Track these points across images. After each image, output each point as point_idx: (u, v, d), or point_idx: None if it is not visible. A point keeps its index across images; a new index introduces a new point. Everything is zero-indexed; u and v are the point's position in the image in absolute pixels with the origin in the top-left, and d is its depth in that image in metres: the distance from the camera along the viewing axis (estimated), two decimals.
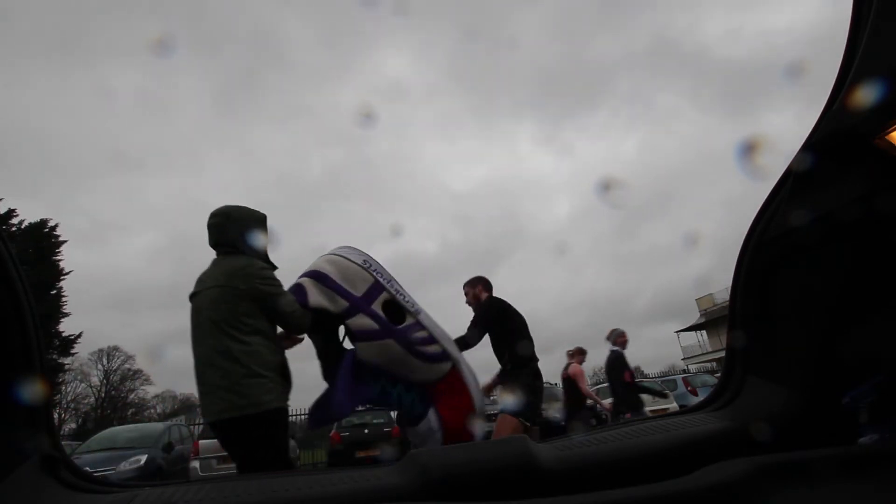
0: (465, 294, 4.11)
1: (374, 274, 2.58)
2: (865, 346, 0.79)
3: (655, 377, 20.53)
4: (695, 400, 13.59)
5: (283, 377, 2.29)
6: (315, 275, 2.47)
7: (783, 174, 0.81)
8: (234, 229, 2.34)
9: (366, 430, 13.94)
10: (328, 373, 2.54)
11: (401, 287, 2.65)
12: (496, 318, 3.90)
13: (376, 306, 2.51)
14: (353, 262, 2.56)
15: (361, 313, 2.45)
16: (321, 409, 2.51)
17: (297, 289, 2.42)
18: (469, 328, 3.72)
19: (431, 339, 2.59)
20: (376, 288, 2.54)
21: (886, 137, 0.64)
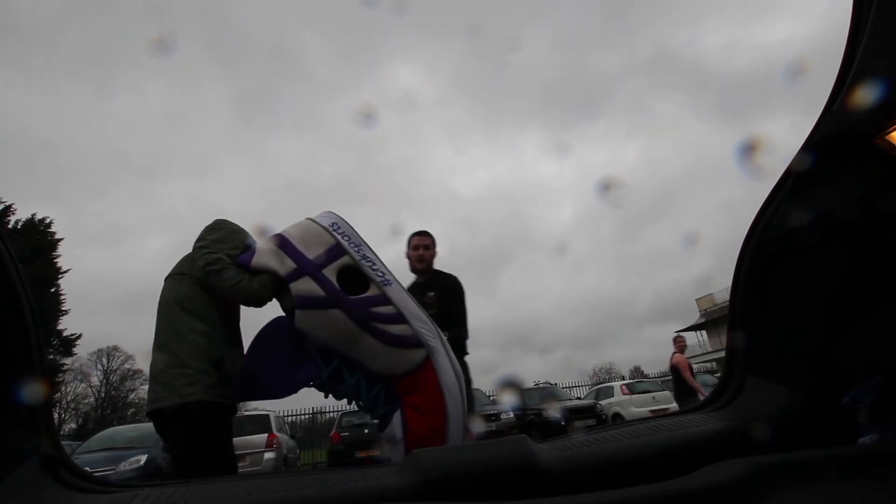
0: (424, 247, 3.10)
1: (337, 236, 2.20)
2: (865, 346, 0.79)
3: (655, 377, 20.54)
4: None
5: (218, 370, 2.04)
6: (275, 237, 2.18)
7: (783, 174, 0.80)
8: (220, 233, 2.37)
9: (366, 430, 13.92)
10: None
11: (373, 255, 2.24)
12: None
13: (329, 271, 2.13)
14: (318, 224, 2.23)
15: (306, 276, 2.08)
16: (248, 381, 2.12)
17: (247, 250, 2.18)
18: (455, 320, 2.92)
19: (398, 317, 2.13)
20: (334, 251, 2.18)
21: (886, 137, 0.64)
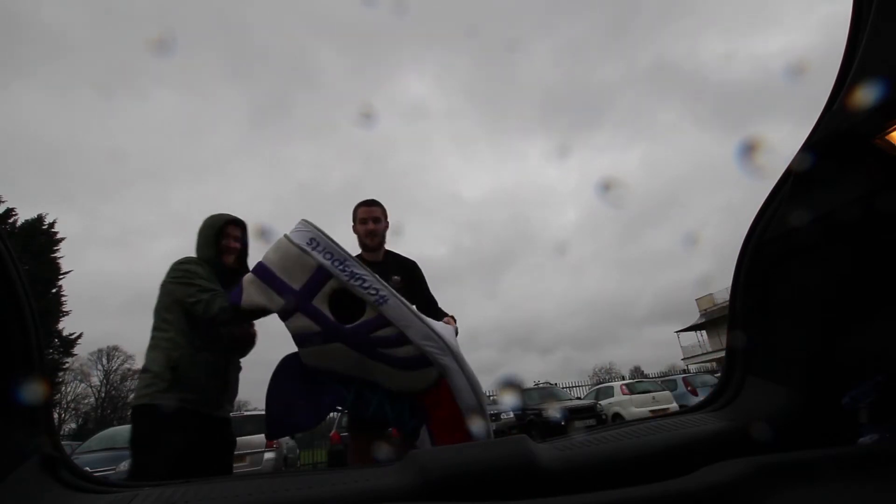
0: (373, 220, 2.69)
1: (319, 257, 2.00)
2: (865, 346, 0.79)
3: (655, 377, 20.54)
4: (695, 400, 13.61)
5: (174, 374, 2.09)
6: (257, 269, 2.04)
7: (783, 174, 0.81)
8: (198, 237, 2.43)
9: None
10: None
11: (362, 269, 2.02)
12: None
13: (320, 300, 1.98)
14: (295, 245, 2.02)
15: (298, 312, 1.97)
16: (274, 419, 2.07)
17: (236, 288, 2.05)
18: (430, 309, 2.63)
19: (401, 339, 1.96)
20: (319, 276, 1.99)
21: (886, 137, 0.64)
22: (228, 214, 2.48)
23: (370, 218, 2.71)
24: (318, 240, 2.05)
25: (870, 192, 0.68)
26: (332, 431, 14.58)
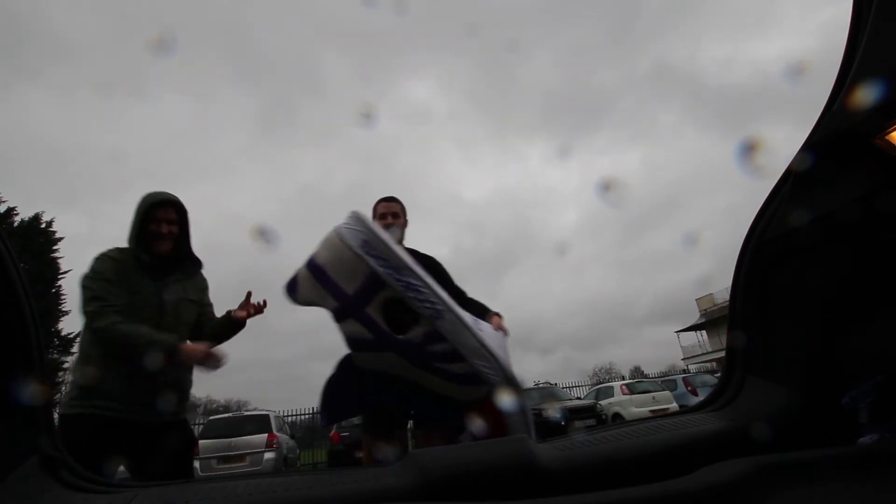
0: (392, 215, 2.64)
1: (373, 263, 1.88)
2: (865, 346, 0.79)
3: (655, 377, 20.54)
4: (695, 400, 13.62)
5: (77, 381, 2.03)
6: (311, 265, 1.93)
7: (783, 174, 0.81)
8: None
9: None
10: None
11: (420, 279, 1.90)
12: None
13: (373, 309, 1.89)
14: (349, 248, 1.89)
15: (351, 318, 1.91)
16: (330, 404, 2.03)
17: (292, 281, 1.95)
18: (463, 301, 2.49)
19: (455, 355, 1.86)
20: (373, 283, 1.89)
21: (886, 137, 0.64)
22: (162, 193, 2.18)
23: (389, 213, 2.65)
24: (373, 243, 1.91)
25: (870, 192, 0.68)
26: (332, 431, 14.59)
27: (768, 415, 0.80)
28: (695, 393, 14.29)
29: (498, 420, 1.84)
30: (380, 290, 1.89)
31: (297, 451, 14.76)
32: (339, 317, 1.94)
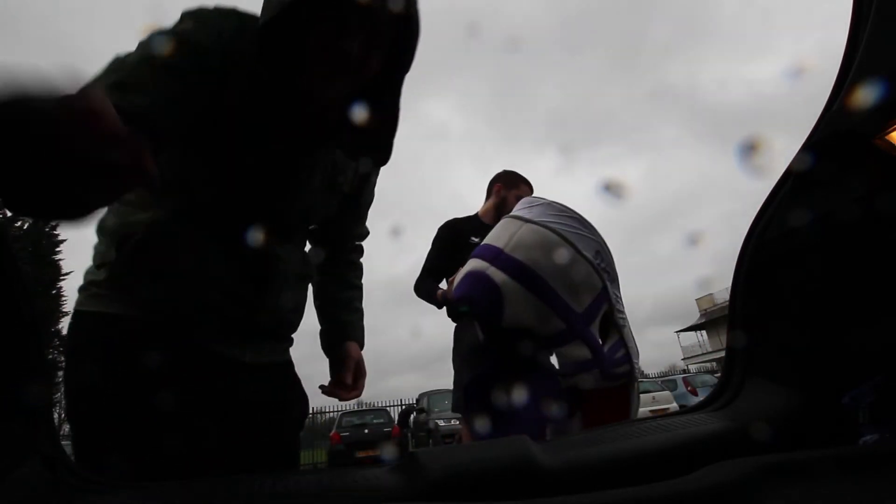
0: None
1: (604, 275, 1.62)
2: (865, 346, 0.79)
3: (655, 377, 20.56)
4: (695, 400, 13.62)
5: (121, 256, 0.98)
6: (522, 273, 1.52)
7: (783, 174, 0.81)
8: None
9: (366, 431, 13.98)
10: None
11: (616, 284, 1.72)
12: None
13: (595, 326, 1.63)
14: (584, 257, 1.56)
15: (577, 340, 1.61)
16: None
17: (485, 286, 1.54)
18: None
19: (626, 359, 1.76)
20: (601, 299, 1.63)
21: (886, 137, 0.65)
22: None
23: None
24: (603, 254, 1.67)
25: (870, 192, 0.68)
26: (332, 432, 14.60)
27: (769, 415, 0.80)
28: (695, 393, 14.29)
29: (624, 402, 1.75)
30: (602, 305, 1.66)
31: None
32: (562, 340, 1.64)
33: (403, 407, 17.21)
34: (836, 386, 0.79)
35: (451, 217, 2.92)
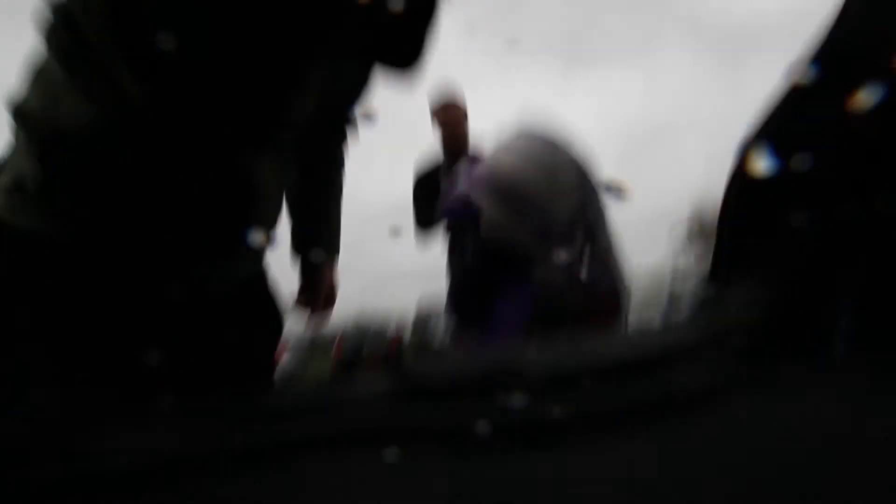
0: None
1: (586, 189, 1.65)
2: (844, 263, 0.80)
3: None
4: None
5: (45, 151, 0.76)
6: (496, 184, 1.52)
7: (774, 92, 0.77)
8: None
9: (366, 341, 14.40)
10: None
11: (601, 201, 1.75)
12: None
13: (576, 243, 1.67)
14: (563, 165, 1.57)
15: (556, 256, 1.64)
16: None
17: (461, 201, 1.51)
18: None
19: (612, 284, 1.78)
20: (582, 212, 1.65)
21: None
22: None
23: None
24: (584, 171, 1.67)
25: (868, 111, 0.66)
26: (335, 343, 15.06)
27: (744, 326, 0.82)
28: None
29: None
30: (583, 219, 1.64)
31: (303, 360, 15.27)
32: (539, 256, 1.60)
33: (415, 315, 17.38)
34: (815, 302, 0.81)
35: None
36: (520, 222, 1.60)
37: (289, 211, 1.20)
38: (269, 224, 1.00)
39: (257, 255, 1.05)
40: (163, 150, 0.76)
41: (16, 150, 0.80)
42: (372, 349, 14.13)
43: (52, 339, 0.76)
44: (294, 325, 1.18)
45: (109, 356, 0.78)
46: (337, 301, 1.27)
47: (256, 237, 0.95)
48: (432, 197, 2.52)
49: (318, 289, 1.22)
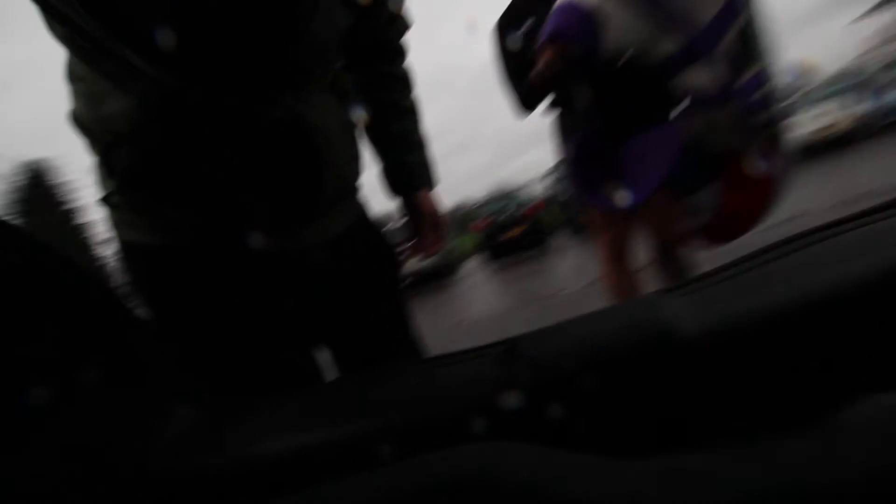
0: None
1: None
2: None
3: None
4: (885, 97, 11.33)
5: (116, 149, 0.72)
6: None
7: None
8: None
9: (504, 213, 14.64)
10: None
11: None
12: None
13: (723, 49, 1.31)
14: None
15: (697, 65, 1.30)
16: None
17: (577, 14, 1.30)
18: None
19: (767, 102, 1.49)
20: (732, 10, 1.28)
21: None
22: None
23: None
24: None
25: None
26: (474, 222, 15.58)
27: None
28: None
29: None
30: (733, 19, 1.29)
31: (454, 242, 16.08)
32: (675, 67, 1.33)
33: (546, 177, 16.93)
34: None
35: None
36: (652, 32, 1.24)
37: (372, 148, 1.11)
38: (347, 163, 0.91)
39: (348, 197, 0.97)
40: (207, 117, 0.70)
41: (96, 167, 0.78)
42: (510, 218, 14.32)
43: (201, 335, 0.80)
44: (406, 259, 1.14)
45: (257, 338, 0.82)
46: (444, 229, 1.17)
47: (336, 178, 0.86)
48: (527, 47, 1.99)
49: (422, 223, 1.13)
